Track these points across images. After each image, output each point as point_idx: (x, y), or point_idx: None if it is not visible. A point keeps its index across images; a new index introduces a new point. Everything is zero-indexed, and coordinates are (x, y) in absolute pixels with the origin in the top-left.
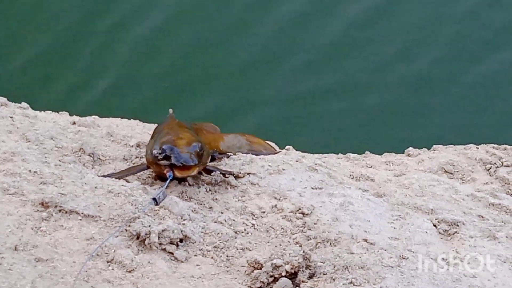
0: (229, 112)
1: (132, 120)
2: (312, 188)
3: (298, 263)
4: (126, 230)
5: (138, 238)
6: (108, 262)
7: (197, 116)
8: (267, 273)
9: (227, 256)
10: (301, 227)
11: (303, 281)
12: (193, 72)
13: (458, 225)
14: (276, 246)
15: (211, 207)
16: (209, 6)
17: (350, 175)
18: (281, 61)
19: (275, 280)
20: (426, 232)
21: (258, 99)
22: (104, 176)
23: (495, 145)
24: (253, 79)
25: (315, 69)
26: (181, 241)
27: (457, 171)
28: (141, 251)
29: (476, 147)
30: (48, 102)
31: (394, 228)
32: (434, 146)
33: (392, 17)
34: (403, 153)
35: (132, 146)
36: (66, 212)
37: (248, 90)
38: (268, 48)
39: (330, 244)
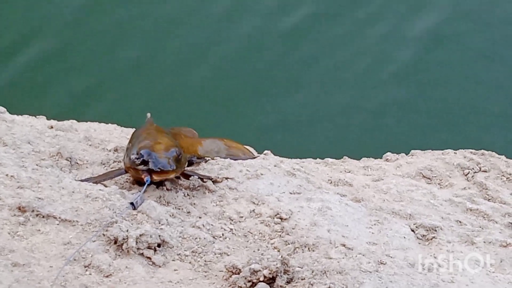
0: (206, 117)
1: (110, 124)
2: (290, 193)
3: (276, 268)
4: (104, 235)
5: (115, 242)
6: (85, 267)
7: (173, 120)
8: (245, 278)
9: (205, 261)
10: (279, 232)
11: (281, 286)
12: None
13: (436, 230)
14: (254, 251)
15: (189, 212)
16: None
17: (328, 180)
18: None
19: (253, 285)
20: (404, 237)
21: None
22: (82, 180)
23: (473, 150)
24: (232, 88)
25: (292, 76)
26: (159, 245)
27: (435, 176)
28: (119, 256)
29: (454, 152)
30: (26, 106)
31: (372, 233)
32: (412, 151)
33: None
34: (381, 158)
35: (110, 151)
36: (43, 217)
37: (226, 96)
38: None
39: (308, 249)
